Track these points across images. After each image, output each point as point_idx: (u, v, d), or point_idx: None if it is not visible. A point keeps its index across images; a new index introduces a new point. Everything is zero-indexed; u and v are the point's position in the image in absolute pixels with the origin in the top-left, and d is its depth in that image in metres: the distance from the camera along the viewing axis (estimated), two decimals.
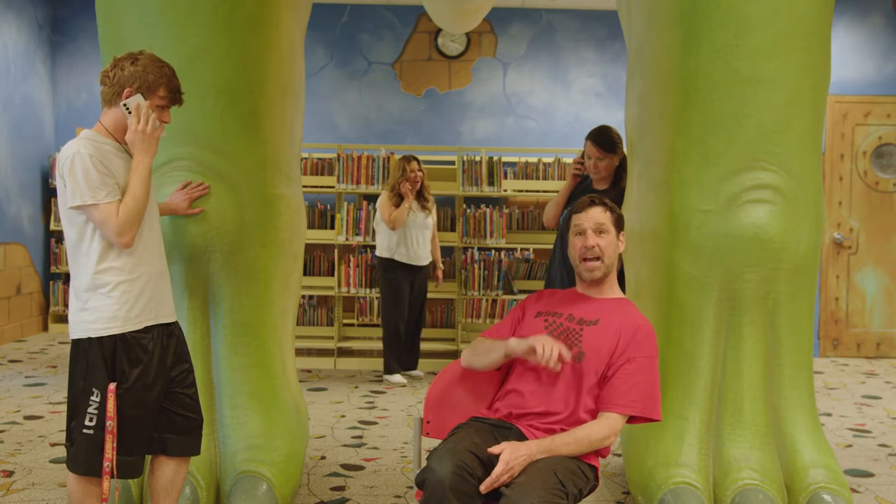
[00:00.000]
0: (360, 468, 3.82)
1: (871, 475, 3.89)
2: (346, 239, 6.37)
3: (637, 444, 3.14)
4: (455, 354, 6.33)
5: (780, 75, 2.89)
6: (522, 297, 2.66)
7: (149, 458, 2.62)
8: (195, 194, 2.88)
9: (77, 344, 2.42)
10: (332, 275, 6.71)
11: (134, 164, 2.43)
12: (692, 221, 2.97)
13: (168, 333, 2.54)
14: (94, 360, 2.38)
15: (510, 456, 2.17)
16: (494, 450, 2.20)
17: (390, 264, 5.77)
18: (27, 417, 4.60)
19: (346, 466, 3.84)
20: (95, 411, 2.36)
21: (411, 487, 3.54)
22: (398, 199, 5.67)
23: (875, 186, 7.23)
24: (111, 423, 2.35)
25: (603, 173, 4.07)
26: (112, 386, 2.36)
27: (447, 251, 6.58)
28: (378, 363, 6.30)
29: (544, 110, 7.88)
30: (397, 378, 5.81)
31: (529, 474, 2.15)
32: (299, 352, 6.35)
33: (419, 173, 5.71)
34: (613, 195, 3.80)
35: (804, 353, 3.05)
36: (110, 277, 2.39)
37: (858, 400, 5.55)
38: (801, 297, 3.01)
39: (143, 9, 2.92)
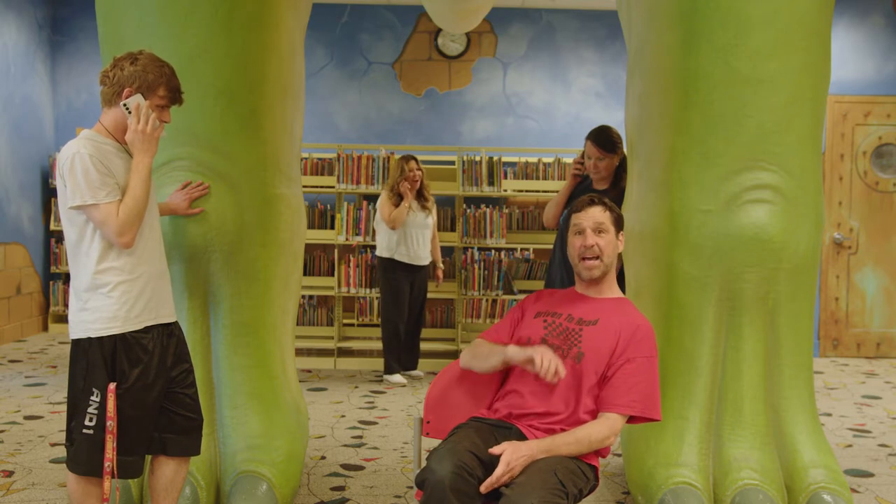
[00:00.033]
0: (360, 468, 3.83)
1: (871, 475, 3.89)
2: (346, 239, 6.37)
3: (637, 444, 3.14)
4: (455, 354, 6.33)
5: (780, 75, 2.89)
6: (522, 297, 2.66)
7: (149, 458, 2.62)
8: (195, 194, 2.88)
9: (77, 344, 2.42)
10: (332, 275, 6.71)
11: (134, 164, 2.43)
12: (692, 221, 2.97)
13: (168, 333, 2.54)
14: (94, 360, 2.38)
15: (511, 457, 2.17)
16: (496, 450, 2.20)
17: (390, 264, 5.77)
18: (27, 417, 4.60)
19: (346, 466, 3.84)
20: (95, 411, 2.36)
21: (411, 487, 3.54)
22: (398, 199, 5.67)
23: (875, 186, 7.23)
24: (111, 423, 2.35)
25: (603, 173, 4.07)
26: (112, 386, 2.36)
27: (447, 251, 6.58)
28: (378, 363, 6.30)
29: (544, 110, 7.88)
30: (397, 378, 5.81)
31: (529, 474, 2.15)
32: (299, 352, 6.35)
33: (418, 172, 5.71)
34: (613, 195, 3.80)
35: (804, 353, 3.05)
36: (110, 277, 2.39)
37: (858, 400, 5.55)
38: (801, 297, 3.01)
39: (143, 9, 2.92)
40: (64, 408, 3.84)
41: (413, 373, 6.00)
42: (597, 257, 2.50)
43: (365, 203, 6.54)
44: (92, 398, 2.36)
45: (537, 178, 7.03)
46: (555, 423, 2.38)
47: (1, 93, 7.02)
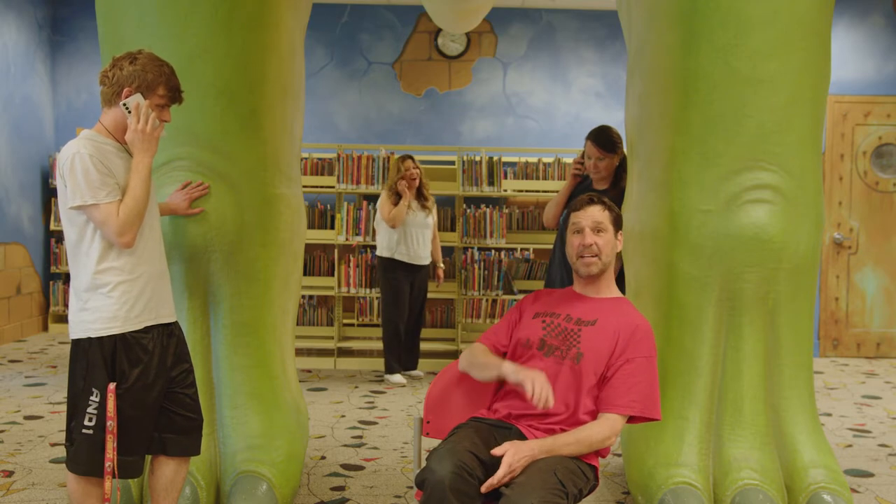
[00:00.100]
0: (360, 468, 3.83)
1: (871, 475, 3.89)
2: (346, 239, 6.37)
3: (637, 444, 3.14)
4: (455, 354, 6.33)
5: (780, 75, 2.89)
6: (522, 297, 2.65)
7: (149, 458, 2.62)
8: (195, 194, 2.88)
9: (77, 344, 2.42)
10: (332, 275, 6.71)
11: (134, 164, 2.43)
12: (692, 221, 2.97)
13: (168, 333, 2.54)
14: (94, 360, 2.37)
15: (513, 458, 2.17)
16: (497, 451, 2.20)
17: (390, 264, 5.78)
18: (27, 417, 4.60)
19: (346, 466, 3.84)
20: (95, 411, 2.36)
21: (411, 487, 3.54)
22: (397, 198, 5.69)
23: (875, 186, 7.23)
24: (111, 423, 2.35)
25: (603, 173, 4.07)
26: (112, 386, 2.36)
27: (447, 251, 6.58)
28: (378, 363, 6.30)
29: (544, 110, 7.88)
30: (397, 378, 5.81)
31: (529, 474, 2.15)
32: (299, 352, 6.35)
33: (415, 171, 5.72)
34: (613, 195, 3.80)
35: (804, 353, 3.05)
36: (110, 277, 2.39)
37: (858, 400, 5.55)
38: (801, 297, 3.01)
39: (143, 9, 2.92)
40: (64, 408, 3.85)
41: (413, 373, 6.00)
42: (595, 256, 2.51)
43: (365, 203, 6.54)
44: (92, 398, 2.36)
45: (537, 178, 7.03)
46: (554, 424, 2.38)
47: (1, 93, 7.02)
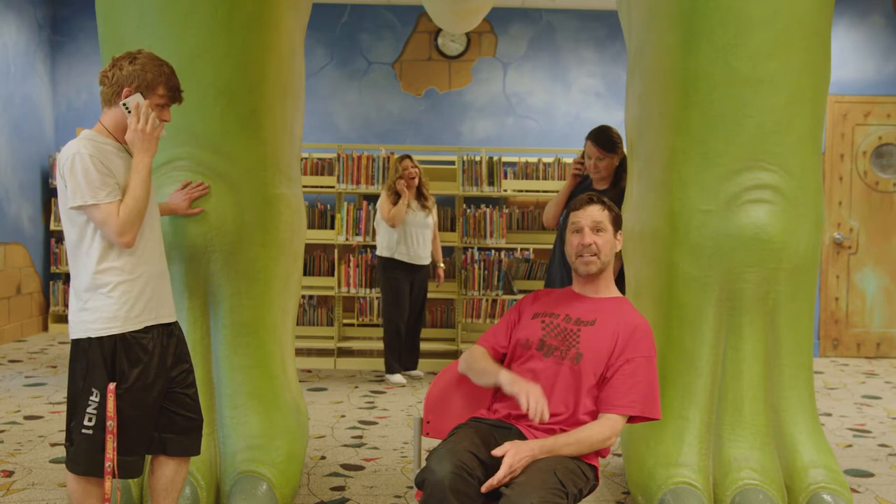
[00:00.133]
0: (360, 468, 3.83)
1: (871, 475, 3.89)
2: (346, 239, 6.37)
3: (637, 444, 3.14)
4: (455, 354, 6.33)
5: (780, 75, 2.89)
6: (522, 297, 2.64)
7: (149, 458, 2.62)
8: (195, 194, 2.88)
9: (77, 344, 2.42)
10: (332, 275, 6.71)
11: (134, 164, 2.43)
12: (692, 221, 2.97)
13: (168, 333, 2.54)
14: (94, 360, 2.37)
15: (514, 459, 2.17)
16: (498, 452, 2.20)
17: (390, 263, 5.78)
18: (27, 417, 4.60)
19: (346, 466, 3.84)
20: (95, 411, 2.36)
21: (411, 487, 3.54)
22: (396, 198, 5.69)
23: (875, 186, 7.23)
24: (111, 423, 2.35)
25: (603, 173, 4.07)
26: (112, 386, 2.36)
27: (447, 251, 6.58)
28: (378, 363, 6.30)
29: (544, 110, 7.88)
30: (398, 378, 5.81)
31: (529, 474, 2.15)
32: (299, 352, 6.35)
33: (413, 170, 5.73)
34: (613, 195, 3.80)
35: (804, 353, 3.05)
36: (110, 277, 2.39)
37: (858, 400, 5.55)
38: (801, 297, 3.01)
39: (143, 9, 2.92)
40: (64, 408, 3.85)
41: (413, 373, 6.00)
42: (594, 255, 2.51)
43: (365, 203, 6.54)
44: (91, 398, 2.36)
45: (537, 178, 7.03)
46: (554, 424, 2.37)
47: (1, 93, 7.02)
